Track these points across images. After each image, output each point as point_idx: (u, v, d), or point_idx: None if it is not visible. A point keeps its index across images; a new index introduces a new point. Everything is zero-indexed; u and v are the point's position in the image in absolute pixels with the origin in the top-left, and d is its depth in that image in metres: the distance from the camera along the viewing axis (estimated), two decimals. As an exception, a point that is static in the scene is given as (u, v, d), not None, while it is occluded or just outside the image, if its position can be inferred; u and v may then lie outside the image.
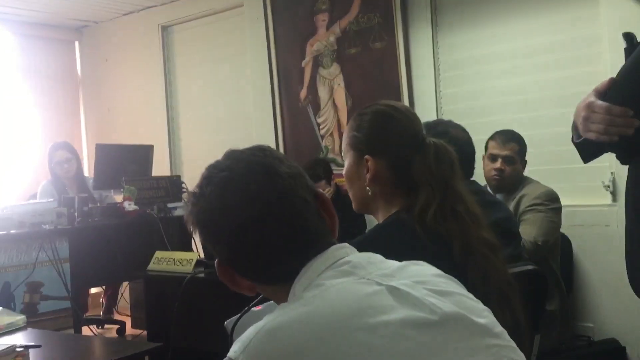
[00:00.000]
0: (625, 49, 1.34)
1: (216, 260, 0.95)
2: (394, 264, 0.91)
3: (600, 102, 1.26)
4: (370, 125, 1.41)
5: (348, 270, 0.86)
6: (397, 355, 0.77)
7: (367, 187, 1.39)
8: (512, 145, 2.91)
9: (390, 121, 1.40)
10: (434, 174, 1.32)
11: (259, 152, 0.95)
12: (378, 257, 0.93)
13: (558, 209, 2.86)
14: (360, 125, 1.42)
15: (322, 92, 4.45)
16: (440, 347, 0.79)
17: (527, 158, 3.01)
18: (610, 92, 1.28)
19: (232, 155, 0.96)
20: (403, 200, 1.36)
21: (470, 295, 0.91)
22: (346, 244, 0.94)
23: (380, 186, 1.39)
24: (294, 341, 0.77)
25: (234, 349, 0.81)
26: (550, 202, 2.84)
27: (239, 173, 0.92)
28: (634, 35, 1.34)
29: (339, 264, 0.88)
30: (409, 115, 1.42)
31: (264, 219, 0.89)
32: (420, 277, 0.88)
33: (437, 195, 1.30)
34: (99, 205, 4.01)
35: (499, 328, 0.88)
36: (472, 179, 2.13)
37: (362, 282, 0.84)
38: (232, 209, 0.90)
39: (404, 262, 0.92)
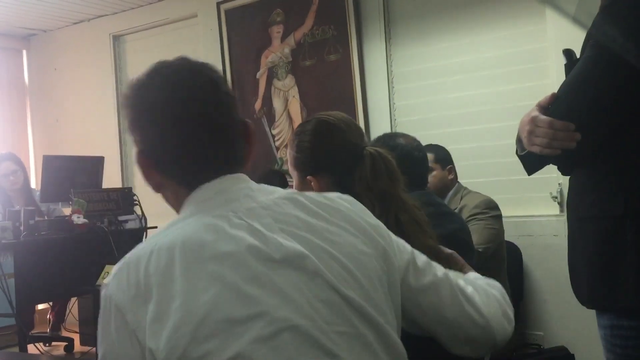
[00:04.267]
0: (565, 65, 1.39)
1: (137, 150, 1.00)
2: (275, 197, 0.97)
3: (543, 117, 1.31)
4: (309, 146, 1.42)
5: (222, 202, 0.94)
6: (244, 281, 0.85)
7: None
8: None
9: (328, 139, 1.41)
10: (371, 185, 1.33)
11: (208, 66, 1.02)
12: (263, 188, 1.00)
13: (497, 217, 2.93)
14: (300, 145, 1.43)
15: (277, 104, 4.45)
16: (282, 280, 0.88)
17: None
18: (552, 107, 1.32)
19: (185, 58, 1.02)
20: None
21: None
22: (242, 176, 0.99)
23: None
24: (157, 269, 0.86)
25: (108, 276, 0.91)
26: (490, 209, 2.91)
27: (189, 72, 0.98)
28: (574, 52, 1.39)
29: (220, 194, 0.96)
30: (345, 128, 1.42)
31: (201, 121, 0.95)
32: (286, 217, 0.94)
33: (376, 207, 1.30)
34: (46, 218, 3.89)
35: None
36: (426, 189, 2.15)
37: (226, 216, 0.92)
38: (171, 101, 0.96)
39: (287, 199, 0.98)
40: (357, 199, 1.34)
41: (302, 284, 0.88)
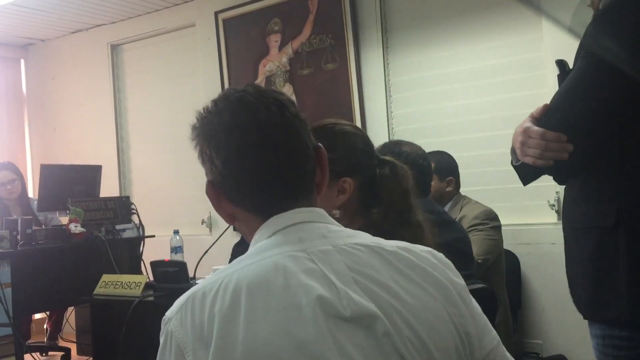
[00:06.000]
0: (558, 75, 1.39)
1: (207, 181, 0.97)
2: (353, 241, 0.91)
3: (535, 128, 1.31)
4: (344, 146, 1.39)
5: (295, 240, 0.90)
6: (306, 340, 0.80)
7: (337, 210, 1.36)
8: None
9: (356, 140, 1.42)
10: (392, 189, 1.35)
11: (276, 90, 0.99)
12: (341, 230, 0.94)
13: (497, 227, 2.93)
14: (334, 145, 1.35)
15: (275, 113, 4.44)
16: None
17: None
18: (544, 117, 1.33)
19: (252, 84, 0.99)
20: (363, 218, 1.37)
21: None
22: (317, 210, 0.95)
23: (348, 206, 1.39)
24: (221, 310, 0.82)
25: (172, 308, 0.87)
26: (490, 220, 2.91)
27: (254, 96, 0.94)
28: (566, 63, 1.40)
29: (294, 229, 0.91)
30: (364, 134, 1.46)
31: (267, 144, 0.91)
32: (361, 267, 0.88)
33: (391, 211, 1.33)
34: (43, 227, 3.88)
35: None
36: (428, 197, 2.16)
37: (298, 257, 0.87)
38: (242, 127, 0.92)
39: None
40: (374, 203, 1.36)
41: (369, 348, 0.82)
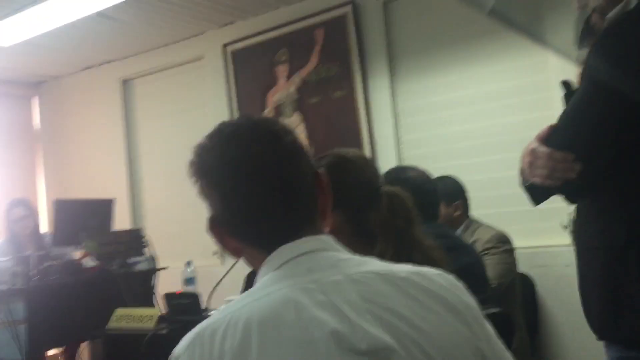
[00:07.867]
0: (564, 95, 1.40)
1: (208, 217, 0.96)
2: (365, 269, 0.89)
3: (542, 148, 1.32)
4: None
5: (304, 271, 0.87)
6: None
7: None
8: None
9: (343, 173, 1.40)
10: (388, 225, 1.33)
11: (270, 120, 0.99)
12: (352, 258, 0.92)
13: (510, 250, 2.91)
14: None
15: (284, 142, 4.47)
16: None
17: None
18: (551, 138, 1.33)
19: (245, 115, 0.99)
20: (363, 250, 1.36)
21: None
22: (323, 237, 0.94)
23: (340, 238, 1.39)
24: (231, 347, 0.79)
25: (179, 346, 0.85)
26: (502, 244, 2.89)
27: (246, 129, 0.94)
28: (572, 83, 1.41)
29: (302, 259, 0.89)
30: (361, 164, 1.43)
31: (260, 178, 0.90)
32: (375, 297, 0.85)
33: (390, 246, 1.31)
34: (56, 262, 3.89)
35: None
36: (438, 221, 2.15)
37: (308, 290, 0.84)
38: (234, 162, 0.91)
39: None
40: (373, 238, 1.35)
41: None
